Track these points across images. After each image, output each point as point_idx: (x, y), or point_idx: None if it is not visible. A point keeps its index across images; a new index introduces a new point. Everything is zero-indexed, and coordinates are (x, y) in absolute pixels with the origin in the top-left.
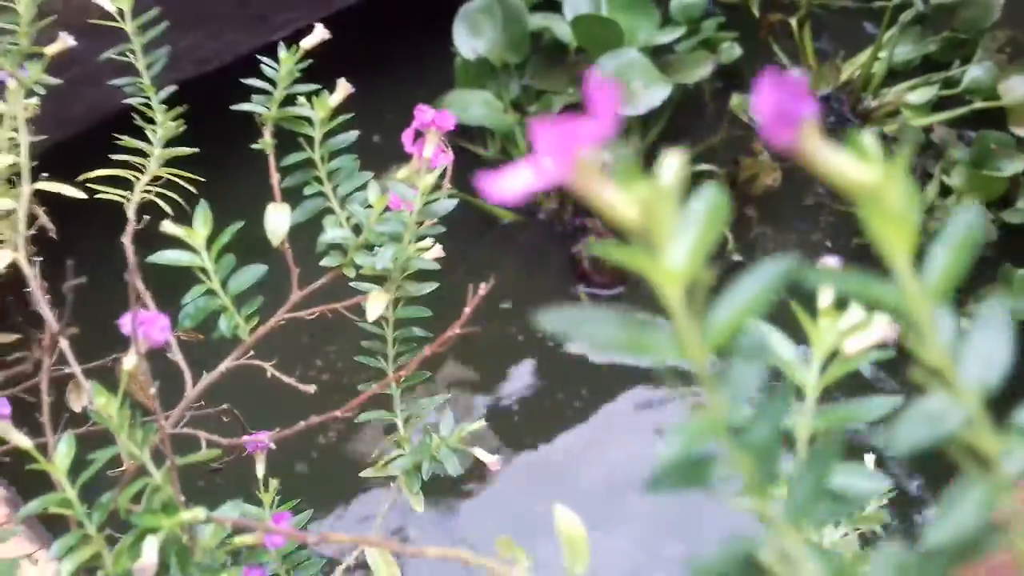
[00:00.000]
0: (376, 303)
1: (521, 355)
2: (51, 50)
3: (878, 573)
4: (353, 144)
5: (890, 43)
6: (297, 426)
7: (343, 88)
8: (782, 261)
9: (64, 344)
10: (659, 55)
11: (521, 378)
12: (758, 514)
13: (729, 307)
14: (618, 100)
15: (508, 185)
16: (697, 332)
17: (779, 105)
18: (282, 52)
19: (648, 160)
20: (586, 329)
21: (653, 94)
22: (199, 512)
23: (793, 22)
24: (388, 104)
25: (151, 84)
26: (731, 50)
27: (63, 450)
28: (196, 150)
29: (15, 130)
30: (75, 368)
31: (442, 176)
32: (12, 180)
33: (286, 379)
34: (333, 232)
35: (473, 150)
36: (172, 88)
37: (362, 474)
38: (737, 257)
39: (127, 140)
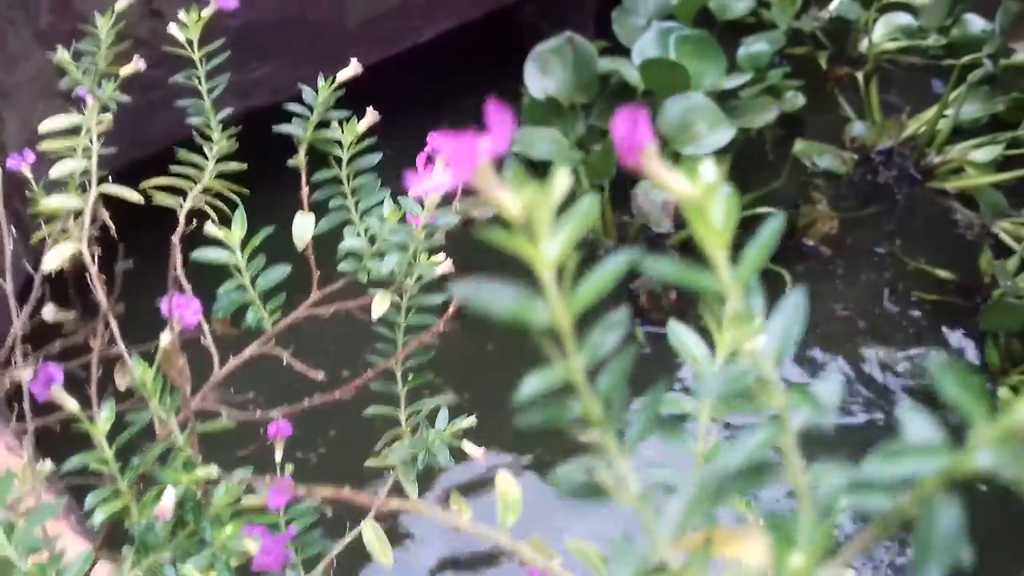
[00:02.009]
0: (380, 303)
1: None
2: (125, 71)
3: (688, 485)
4: (379, 164)
5: (957, 101)
6: (302, 404)
7: (371, 116)
8: (624, 253)
9: (115, 326)
10: (724, 100)
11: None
12: (602, 444)
13: (586, 286)
14: (511, 125)
15: (427, 185)
16: (563, 303)
17: (628, 135)
18: (320, 82)
19: None
20: (485, 298)
21: (718, 136)
22: (212, 469)
23: (860, 76)
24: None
25: (212, 107)
26: (795, 99)
27: (104, 414)
28: (245, 166)
29: (90, 140)
30: (122, 348)
31: (450, 197)
32: (84, 184)
33: (298, 366)
34: (351, 241)
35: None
36: (228, 110)
37: (366, 463)
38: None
39: (184, 154)
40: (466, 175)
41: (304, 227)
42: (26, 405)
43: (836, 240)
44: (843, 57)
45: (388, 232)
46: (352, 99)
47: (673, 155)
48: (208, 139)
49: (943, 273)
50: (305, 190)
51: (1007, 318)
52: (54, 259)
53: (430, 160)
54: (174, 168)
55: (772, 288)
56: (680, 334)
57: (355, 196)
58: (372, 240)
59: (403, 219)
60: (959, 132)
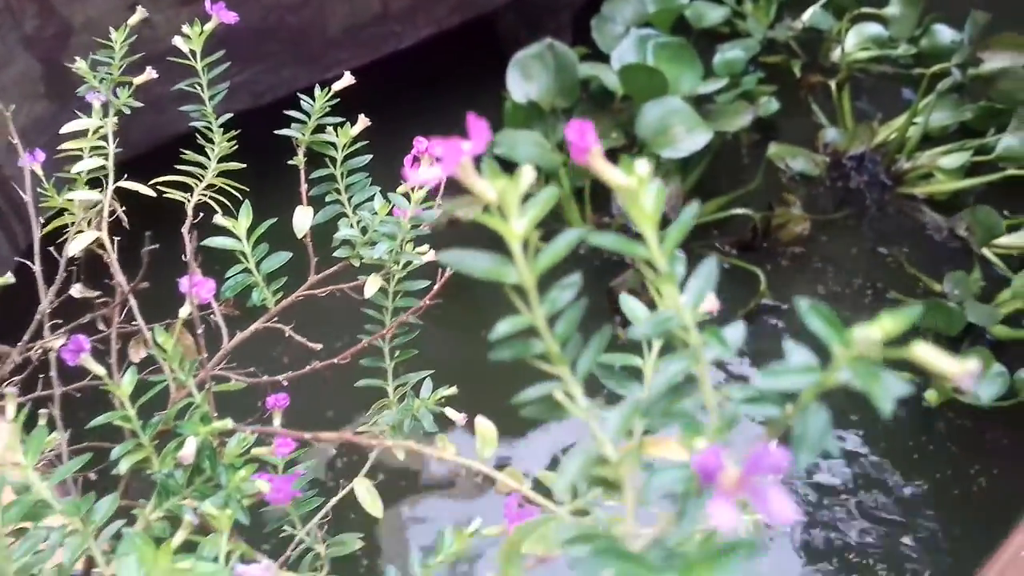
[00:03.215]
0: (372, 284)
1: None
2: (139, 80)
3: (624, 410)
4: (368, 164)
5: (927, 109)
6: (304, 369)
7: (362, 122)
8: (576, 230)
9: (133, 304)
10: (700, 104)
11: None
12: (559, 375)
13: (546, 254)
14: (486, 132)
15: (421, 175)
16: (528, 267)
17: (578, 140)
18: (317, 91)
19: (688, 203)
20: (468, 262)
21: (695, 138)
22: (227, 422)
23: (832, 84)
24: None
25: (212, 111)
26: (769, 104)
27: (127, 378)
28: (244, 165)
29: (104, 139)
30: (140, 322)
31: (433, 193)
32: (99, 180)
33: (298, 338)
34: (345, 231)
35: None
36: (229, 115)
37: (357, 430)
38: (768, 300)
39: (190, 154)
40: (452, 170)
41: (303, 218)
42: (53, 373)
43: (808, 241)
44: (816, 66)
45: (378, 223)
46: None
47: (653, 157)
48: (210, 140)
49: (916, 273)
50: (304, 186)
51: (942, 319)
52: (79, 245)
53: (416, 160)
54: (179, 167)
55: (748, 285)
56: (628, 302)
57: (348, 192)
58: (364, 230)
59: (391, 212)
60: (928, 139)
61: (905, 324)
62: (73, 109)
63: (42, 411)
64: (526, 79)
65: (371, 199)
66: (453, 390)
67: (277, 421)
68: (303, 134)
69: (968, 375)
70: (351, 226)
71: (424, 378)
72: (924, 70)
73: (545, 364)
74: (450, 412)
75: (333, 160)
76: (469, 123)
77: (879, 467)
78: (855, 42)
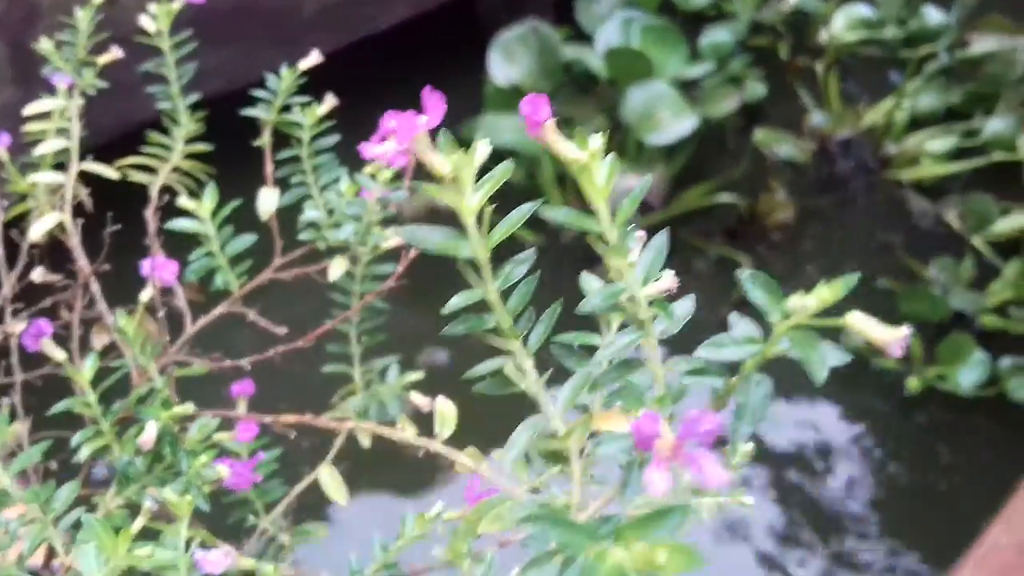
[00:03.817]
0: (337, 267)
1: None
2: (103, 60)
3: (573, 383)
4: (340, 148)
5: (914, 92)
6: (267, 353)
7: (329, 101)
8: (529, 203)
9: (96, 289)
10: (686, 88)
11: None
12: (507, 348)
13: (499, 229)
14: (442, 105)
15: (376, 151)
16: (481, 240)
17: (532, 113)
18: (283, 70)
19: (672, 191)
20: (420, 236)
21: (681, 124)
22: (188, 407)
23: (819, 67)
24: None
25: (179, 92)
26: (756, 88)
27: (88, 363)
28: (212, 147)
29: (68, 120)
30: (102, 307)
31: (400, 174)
32: (62, 163)
33: (263, 322)
34: (310, 212)
35: None
36: (196, 96)
37: (324, 415)
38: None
39: (154, 136)
40: (407, 144)
41: (268, 200)
42: (14, 359)
43: (793, 227)
44: (803, 48)
45: (345, 205)
46: (314, 87)
47: (636, 144)
48: (176, 122)
49: (905, 259)
50: (270, 167)
51: (925, 307)
52: (40, 228)
53: (383, 139)
54: (144, 150)
55: (729, 274)
56: (587, 279)
57: (315, 173)
58: (330, 212)
59: (358, 194)
60: (916, 123)
61: (841, 293)
62: (39, 94)
63: (3, 400)
64: (508, 62)
65: (337, 180)
66: (419, 375)
67: (241, 409)
68: (268, 114)
69: (896, 342)
70: (317, 208)
71: (390, 364)
72: (912, 53)
73: (497, 339)
74: (415, 397)
75: (299, 141)
76: (424, 98)
77: (860, 455)
78: (842, 24)
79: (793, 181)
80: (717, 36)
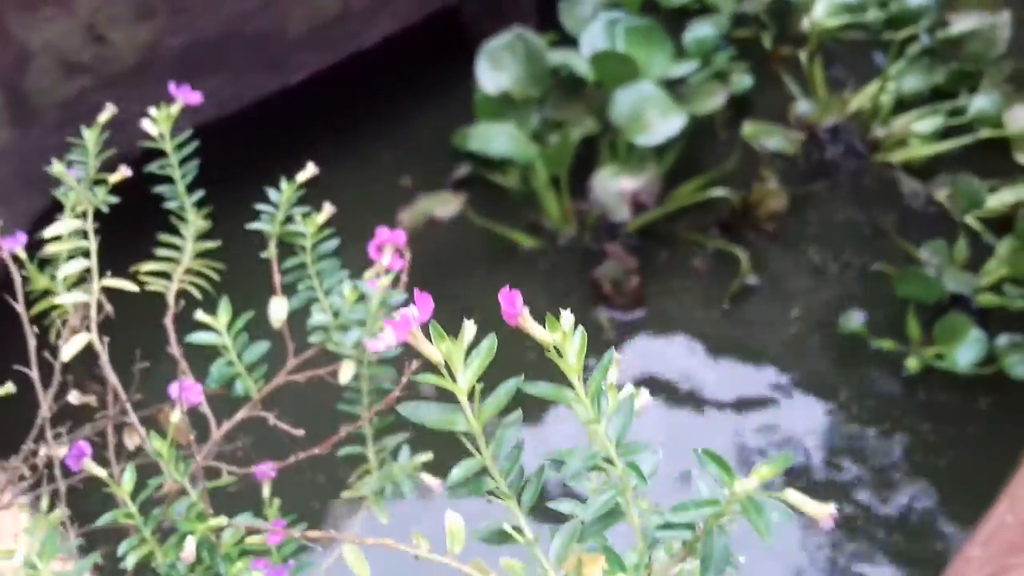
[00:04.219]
0: (347, 370)
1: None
2: (114, 178)
3: (562, 537)
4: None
5: (898, 75)
6: (288, 460)
7: (326, 210)
8: (513, 380)
9: (129, 408)
10: (673, 87)
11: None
12: (505, 503)
13: (489, 403)
14: (430, 310)
15: (379, 343)
16: (475, 416)
17: (508, 306)
18: (283, 185)
19: (665, 187)
20: (420, 413)
21: (669, 124)
22: (222, 520)
23: (803, 55)
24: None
25: (185, 191)
26: (742, 81)
27: (127, 477)
28: (219, 243)
29: (85, 237)
30: (133, 418)
31: (397, 278)
32: (83, 278)
33: (283, 425)
34: (318, 316)
35: (494, 180)
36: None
37: (342, 495)
38: (750, 280)
39: (165, 237)
40: (404, 337)
41: (279, 309)
42: (57, 472)
43: (788, 216)
44: (786, 36)
45: (349, 310)
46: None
47: (627, 145)
48: (183, 219)
49: (900, 242)
50: (277, 277)
51: (920, 289)
52: (71, 351)
53: (379, 249)
54: (158, 252)
55: (732, 266)
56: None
57: (319, 278)
58: (336, 314)
59: (361, 298)
60: (902, 105)
61: (779, 470)
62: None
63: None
64: (496, 70)
65: (341, 282)
66: (428, 455)
67: (266, 491)
68: (272, 227)
69: (826, 517)
70: (323, 311)
71: (401, 444)
72: (894, 35)
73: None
74: (427, 478)
75: (303, 248)
76: (416, 299)
77: (861, 437)
78: (824, 10)
79: (784, 170)
80: (701, 31)
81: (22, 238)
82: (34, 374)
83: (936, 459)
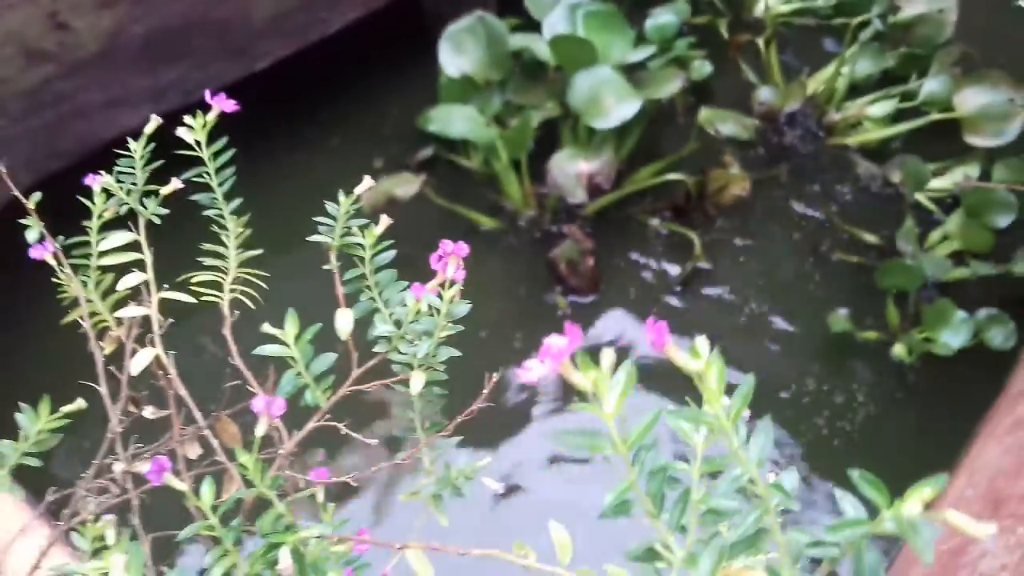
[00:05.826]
0: (417, 380)
1: (504, 361)
2: (165, 190)
3: (712, 555)
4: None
5: (851, 59)
6: (371, 471)
7: (384, 222)
8: (657, 412)
9: (198, 414)
10: (632, 72)
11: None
12: (653, 524)
13: (637, 431)
14: (578, 338)
15: (531, 373)
16: (622, 440)
17: (656, 337)
18: (342, 197)
19: (624, 171)
20: (566, 440)
21: (624, 108)
22: (313, 530)
23: (760, 41)
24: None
25: (223, 198)
26: (702, 68)
27: (206, 490)
28: (262, 251)
29: (141, 252)
30: (217, 448)
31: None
32: (139, 290)
33: (354, 435)
34: (381, 327)
35: (456, 161)
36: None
37: (401, 498)
38: (704, 264)
39: (208, 246)
40: (556, 367)
41: (345, 320)
42: (129, 485)
43: (749, 201)
44: (742, 23)
45: (412, 320)
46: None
47: (586, 128)
48: (224, 228)
49: (861, 233)
50: (340, 288)
51: (902, 278)
52: (139, 364)
53: (440, 259)
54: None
55: (685, 250)
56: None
57: (378, 288)
58: (398, 324)
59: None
60: (855, 89)
61: (938, 491)
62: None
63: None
64: (458, 53)
65: (403, 290)
66: (487, 460)
67: (320, 496)
68: (332, 239)
69: (991, 537)
70: (385, 321)
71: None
72: (847, 20)
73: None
74: (487, 481)
75: (361, 259)
76: (566, 329)
77: (850, 421)
78: None
79: (745, 155)
80: (662, 18)
81: (49, 245)
82: (103, 389)
83: (924, 436)
